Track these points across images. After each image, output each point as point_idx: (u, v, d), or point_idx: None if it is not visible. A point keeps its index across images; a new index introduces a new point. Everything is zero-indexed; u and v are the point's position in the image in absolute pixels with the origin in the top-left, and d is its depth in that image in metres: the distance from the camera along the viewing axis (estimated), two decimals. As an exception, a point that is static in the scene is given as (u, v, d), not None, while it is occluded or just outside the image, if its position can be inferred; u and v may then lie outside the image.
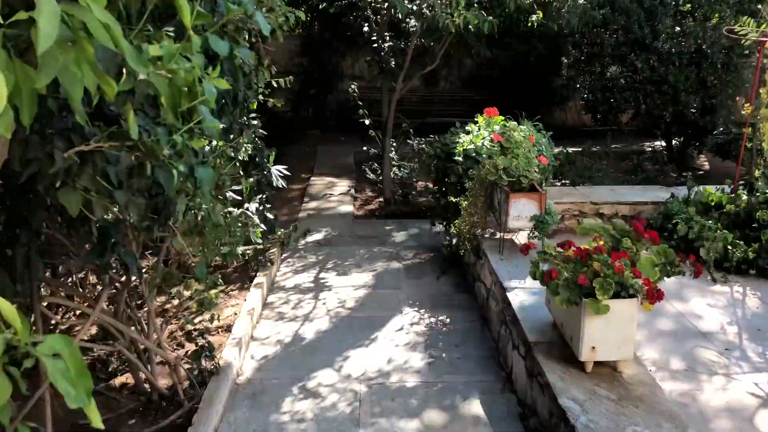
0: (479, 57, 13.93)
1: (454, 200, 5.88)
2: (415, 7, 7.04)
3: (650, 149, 12.87)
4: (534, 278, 3.75)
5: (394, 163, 9.81)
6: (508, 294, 4.59)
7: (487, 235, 5.71)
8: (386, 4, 7.85)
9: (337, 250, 7.24)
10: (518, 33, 13.38)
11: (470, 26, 6.29)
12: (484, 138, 6.39)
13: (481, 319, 5.43)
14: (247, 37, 3.66)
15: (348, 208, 9.14)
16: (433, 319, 5.42)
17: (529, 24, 7.64)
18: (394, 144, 10.32)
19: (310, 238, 7.81)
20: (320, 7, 10.49)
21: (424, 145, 9.75)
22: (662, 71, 9.63)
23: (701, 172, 11.15)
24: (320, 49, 14.37)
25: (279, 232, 6.18)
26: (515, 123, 6.10)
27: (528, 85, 14.09)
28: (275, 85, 5.77)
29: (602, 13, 9.77)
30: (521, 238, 5.50)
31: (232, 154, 4.55)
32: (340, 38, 14.16)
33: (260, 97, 5.60)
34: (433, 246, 7.26)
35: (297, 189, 10.18)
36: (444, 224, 6.89)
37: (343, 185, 10.31)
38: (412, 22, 8.16)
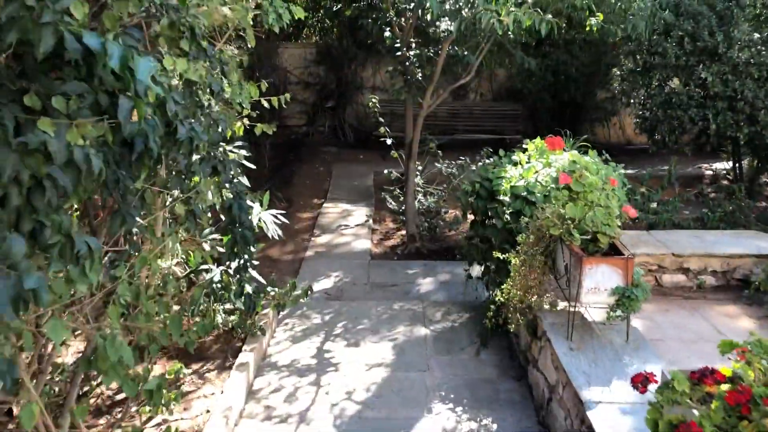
0: (514, 67, 12.54)
1: (500, 256, 4.45)
2: (448, 6, 5.65)
3: (710, 172, 11.32)
4: None
5: (418, 188, 8.41)
6: (589, 413, 3.15)
7: (546, 306, 4.27)
8: (412, 4, 6.48)
9: (348, 307, 5.83)
10: (557, 40, 11.99)
11: (522, 28, 4.88)
12: (537, 172, 4.97)
13: (539, 426, 3.99)
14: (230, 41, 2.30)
15: (364, 244, 7.75)
16: (473, 425, 3.99)
17: (587, 27, 6.21)
18: (420, 167, 8.93)
19: (317, 286, 6.42)
20: (335, 9, 9.14)
21: (454, 169, 8.34)
22: (737, 85, 8.13)
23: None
24: (338, 58, 13.04)
25: (273, 292, 4.79)
26: (587, 158, 4.67)
27: (568, 98, 12.64)
28: (285, 100, 4.44)
29: (664, 18, 8.31)
30: (596, 314, 4.04)
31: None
32: (360, 46, 12.83)
33: (245, 120, 4.25)
34: (468, 303, 5.83)
35: (307, 218, 8.82)
36: (484, 278, 5.47)
37: (360, 214, 8.91)
38: (443, 25, 6.78)
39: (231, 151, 4.24)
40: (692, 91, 8.48)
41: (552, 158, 5.13)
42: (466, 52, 6.77)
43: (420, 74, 6.87)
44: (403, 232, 8.10)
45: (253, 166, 4.48)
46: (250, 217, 3.68)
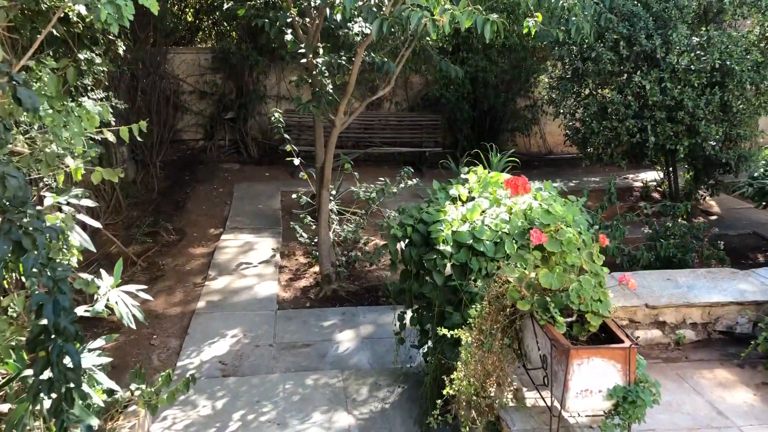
0: (431, 73, 11.57)
1: (444, 332, 3.35)
2: (362, 2, 4.52)
3: (638, 183, 10.74)
4: None
5: (333, 215, 7.25)
6: None
7: (511, 401, 3.19)
8: (318, 1, 5.32)
9: (247, 385, 4.56)
10: (476, 45, 11.12)
11: (460, 30, 3.81)
12: (483, 212, 3.91)
13: None
14: None
15: (270, 287, 6.50)
16: None
17: (525, 30, 5.23)
18: (333, 192, 7.76)
19: (210, 352, 5.14)
20: (225, 7, 7.85)
21: (373, 193, 7.22)
22: (676, 93, 7.43)
23: (714, 217, 9.05)
24: (237, 65, 11.67)
25: (139, 390, 3.50)
26: (546, 194, 3.65)
27: (488, 107, 11.81)
28: (139, 129, 3.18)
29: (610, 19, 7.51)
30: (583, 419, 2.98)
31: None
32: (262, 51, 11.53)
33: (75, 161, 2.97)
34: (400, 371, 4.69)
35: (201, 254, 7.46)
36: (421, 347, 4.36)
37: (265, 247, 7.65)
38: (356, 27, 5.65)
39: (65, 204, 2.95)
40: (628, 100, 7.72)
41: (500, 193, 4.09)
42: (385, 59, 5.66)
43: (330, 85, 5.70)
44: (316, 268, 6.92)
45: (97, 225, 3.18)
46: (73, 323, 2.35)
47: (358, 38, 5.41)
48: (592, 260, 2.88)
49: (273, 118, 7.16)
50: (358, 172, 7.48)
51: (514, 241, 3.66)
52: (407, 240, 4.18)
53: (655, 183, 10.00)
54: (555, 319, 2.74)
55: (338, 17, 5.53)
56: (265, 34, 11.52)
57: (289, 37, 5.47)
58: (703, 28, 7.83)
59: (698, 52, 7.46)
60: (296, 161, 6.93)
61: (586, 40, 7.89)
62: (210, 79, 12.05)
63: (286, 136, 7.14)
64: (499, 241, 3.72)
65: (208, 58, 11.99)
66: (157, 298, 6.24)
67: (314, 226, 7.24)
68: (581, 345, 2.75)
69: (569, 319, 2.76)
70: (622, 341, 2.74)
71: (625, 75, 7.78)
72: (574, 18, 5.59)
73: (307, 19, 5.64)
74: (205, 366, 4.94)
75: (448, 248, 3.77)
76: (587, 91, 8.66)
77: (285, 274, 6.94)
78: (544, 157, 13.20)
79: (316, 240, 7.09)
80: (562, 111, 8.95)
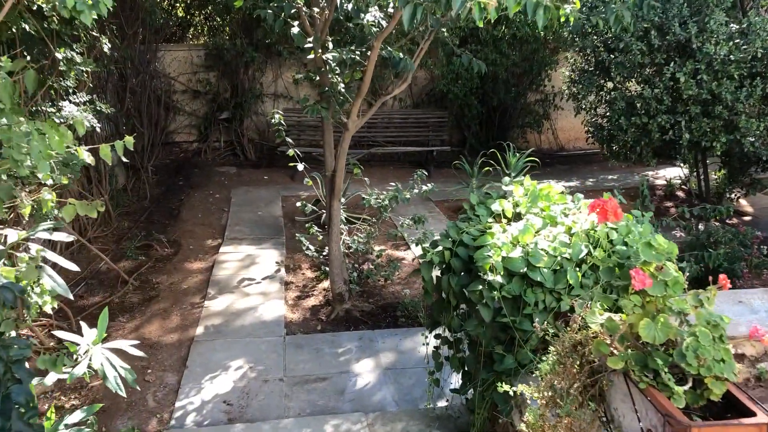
0: (437, 68, 10.92)
1: (506, 389, 2.73)
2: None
3: (661, 182, 10.12)
4: None
5: (342, 226, 6.62)
6: None
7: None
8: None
9: (258, 434, 3.95)
10: (486, 38, 10.49)
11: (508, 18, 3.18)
12: (537, 233, 3.30)
13: None
14: None
15: (277, 308, 5.88)
16: None
17: (562, 18, 4.60)
18: (343, 200, 7.13)
19: (212, 389, 4.52)
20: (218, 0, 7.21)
21: (385, 200, 6.58)
22: (713, 86, 6.82)
23: (747, 217, 8.46)
24: (232, 62, 11.01)
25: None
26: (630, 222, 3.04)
27: (497, 102, 11.19)
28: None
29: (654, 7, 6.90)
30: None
31: None
32: (257, 47, 10.88)
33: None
34: (435, 414, 4.08)
35: (198, 270, 6.82)
36: (463, 390, 3.74)
37: (268, 259, 7.02)
38: (369, 16, 4.99)
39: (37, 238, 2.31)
40: (660, 93, 7.10)
41: (554, 209, 3.48)
42: (401, 54, 5.02)
43: (342, 84, 5.06)
44: (325, 284, 6.30)
45: (74, 267, 2.54)
46: (30, 413, 1.69)
47: (375, 29, 4.76)
48: (703, 304, 2.27)
49: (273, 120, 6.53)
50: (362, 173, 6.85)
51: (577, 269, 3.05)
52: (444, 267, 3.56)
53: (679, 181, 9.39)
54: (665, 384, 2.12)
55: (349, 6, 4.89)
56: (261, 29, 10.92)
57: (295, 30, 4.83)
58: (741, 15, 7.22)
59: (737, 40, 6.85)
60: (300, 167, 6.32)
61: (612, 30, 7.30)
62: (203, 77, 11.39)
63: (289, 140, 6.51)
64: (558, 268, 3.11)
65: (200, 55, 11.33)
66: (151, 323, 5.61)
67: (321, 237, 6.63)
68: (698, 417, 2.14)
69: (685, 387, 2.15)
70: (750, 411, 2.12)
71: (657, 67, 7.16)
72: (614, 6, 4.96)
73: (315, 10, 4.99)
74: (207, 407, 4.31)
75: (498, 278, 3.15)
76: (611, 85, 8.05)
77: (292, 292, 6.31)
78: (556, 154, 12.59)
79: (324, 253, 6.48)
80: (584, 107, 8.32)
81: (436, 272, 3.65)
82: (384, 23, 4.78)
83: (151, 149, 10.00)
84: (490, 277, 3.17)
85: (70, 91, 5.21)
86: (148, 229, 7.84)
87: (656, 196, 9.63)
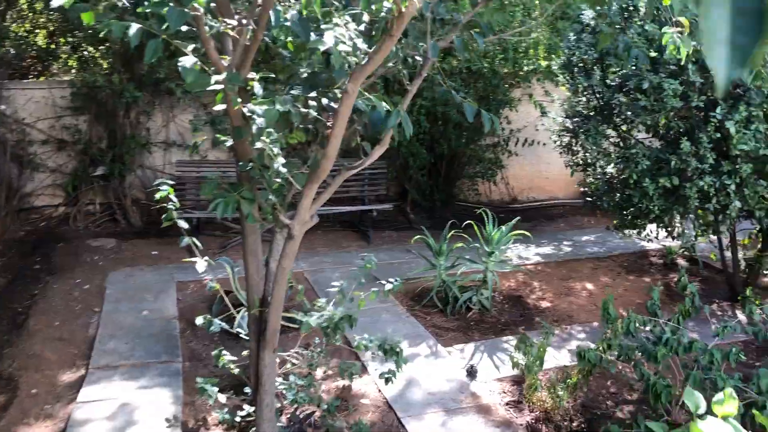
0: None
1: None
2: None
3: (655, 246, 8.30)
4: None
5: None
6: None
7: None
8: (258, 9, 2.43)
9: None
10: (432, 73, 8.45)
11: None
12: None
13: None
14: None
15: None
16: None
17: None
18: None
19: None
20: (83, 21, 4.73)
21: (332, 318, 4.25)
22: (767, 135, 5.04)
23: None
24: (108, 103, 8.47)
25: None
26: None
27: (448, 149, 9.18)
28: None
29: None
30: None
31: None
32: (141, 83, 8.40)
33: None
34: None
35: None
36: None
37: (153, 412, 4.54)
38: (330, 39, 2.73)
39: None
40: (702, 149, 5.23)
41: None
42: (385, 105, 2.81)
43: (281, 158, 2.78)
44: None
45: None
46: None
47: (351, 60, 2.52)
48: None
49: (158, 195, 4.10)
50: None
51: None
52: None
53: (683, 250, 7.56)
54: None
55: (294, 16, 2.62)
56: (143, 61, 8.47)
57: (189, 60, 2.50)
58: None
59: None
60: (198, 259, 3.95)
61: (622, 64, 5.42)
62: (70, 122, 8.76)
63: (183, 224, 4.10)
64: None
65: (66, 95, 8.68)
66: None
67: (243, 411, 4.24)
68: None
69: None
70: None
71: (700, 113, 5.30)
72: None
73: (229, 24, 2.69)
74: None
75: None
76: (615, 134, 6.16)
77: (195, 482, 3.88)
78: (509, 207, 10.68)
79: (251, 415, 4.09)
80: (589, 160, 6.35)
81: None
82: (363, 59, 2.55)
83: (-6, 221, 7.28)
84: None
85: None
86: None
87: (653, 266, 7.82)
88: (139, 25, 2.36)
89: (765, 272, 6.36)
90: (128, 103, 8.42)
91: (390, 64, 3.15)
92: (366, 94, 2.80)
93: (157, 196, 3.92)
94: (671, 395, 3.99)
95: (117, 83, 8.13)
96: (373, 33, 2.69)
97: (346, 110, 2.61)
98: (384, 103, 2.80)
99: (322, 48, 2.41)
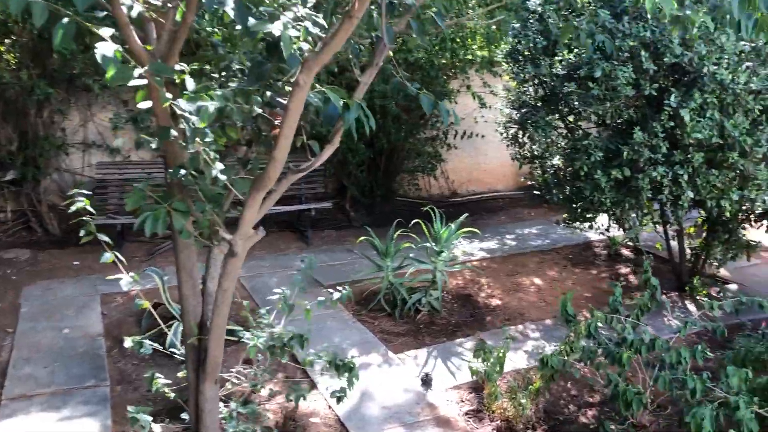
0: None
1: None
2: None
3: (597, 236, 8.22)
4: None
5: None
6: None
7: None
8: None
9: None
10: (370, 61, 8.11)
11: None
12: None
13: None
14: None
15: None
16: None
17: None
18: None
19: None
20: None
21: (280, 339, 3.87)
22: (729, 126, 4.93)
23: (732, 285, 6.71)
24: (17, 101, 7.73)
25: None
26: None
27: (387, 143, 8.87)
28: None
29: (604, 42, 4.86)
30: None
31: None
32: (54, 79, 7.70)
33: None
34: None
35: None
36: None
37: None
38: (278, 27, 2.34)
39: None
40: (655, 139, 5.08)
41: None
42: (341, 99, 2.45)
43: (219, 163, 2.38)
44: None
45: None
46: None
47: (304, 48, 2.13)
48: None
49: (74, 207, 3.59)
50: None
51: None
52: None
53: (629, 241, 7.48)
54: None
55: (231, 9, 2.22)
56: (60, 55, 7.78)
57: (108, 48, 2.07)
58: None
59: (748, 63, 5.01)
60: (125, 276, 3.52)
61: (576, 51, 5.23)
62: (-27, 123, 7.96)
63: (104, 237, 3.62)
64: None
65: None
66: None
67: (184, 417, 3.80)
68: None
69: None
70: None
71: (653, 101, 5.15)
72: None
73: (152, 7, 2.26)
74: None
75: None
76: (562, 125, 5.98)
77: None
78: (449, 201, 10.47)
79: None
80: (536, 153, 6.15)
81: None
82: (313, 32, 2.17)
83: None
84: None
85: None
86: None
87: (599, 256, 7.73)
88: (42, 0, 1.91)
89: (710, 261, 6.29)
90: (40, 100, 7.72)
91: (339, 52, 2.79)
92: (318, 86, 2.43)
93: (73, 208, 3.42)
94: (642, 403, 3.79)
95: (26, 79, 7.42)
96: (323, 15, 2.32)
97: (298, 105, 2.24)
98: (339, 97, 2.44)
99: (267, 31, 2.02)
